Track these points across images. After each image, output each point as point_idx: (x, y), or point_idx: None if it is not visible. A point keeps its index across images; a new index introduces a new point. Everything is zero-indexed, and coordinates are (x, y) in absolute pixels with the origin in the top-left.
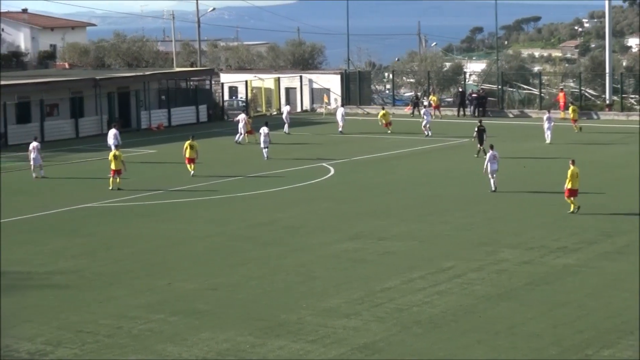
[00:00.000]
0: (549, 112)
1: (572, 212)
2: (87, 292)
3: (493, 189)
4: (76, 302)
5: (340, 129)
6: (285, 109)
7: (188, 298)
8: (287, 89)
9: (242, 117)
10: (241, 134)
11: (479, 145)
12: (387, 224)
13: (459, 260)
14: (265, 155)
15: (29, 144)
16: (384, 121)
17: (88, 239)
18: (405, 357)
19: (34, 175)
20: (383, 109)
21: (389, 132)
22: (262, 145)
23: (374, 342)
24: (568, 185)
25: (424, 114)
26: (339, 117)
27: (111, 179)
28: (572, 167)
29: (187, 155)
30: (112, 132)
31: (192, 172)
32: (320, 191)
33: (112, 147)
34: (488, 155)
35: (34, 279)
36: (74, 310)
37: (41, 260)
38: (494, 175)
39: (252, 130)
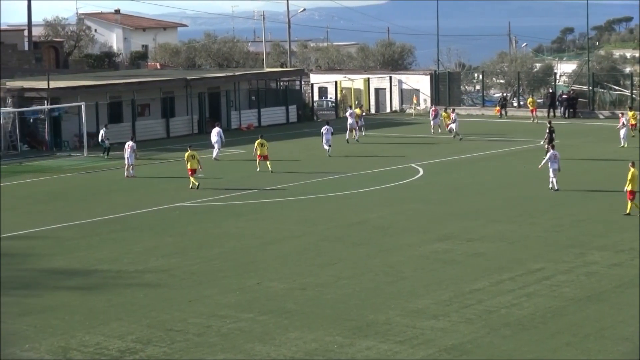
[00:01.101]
0: (622, 115)
1: (629, 214)
2: (177, 291)
3: (556, 188)
4: (166, 301)
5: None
6: (349, 113)
7: (277, 297)
8: (377, 90)
9: (349, 112)
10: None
11: (546, 146)
12: (476, 225)
13: (548, 262)
14: (329, 153)
15: (122, 143)
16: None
17: (179, 238)
18: (493, 359)
19: (125, 173)
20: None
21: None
22: (324, 144)
23: (462, 343)
24: (628, 187)
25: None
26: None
27: (191, 179)
28: (632, 170)
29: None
30: (216, 130)
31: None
32: (410, 192)
33: (216, 146)
34: (549, 154)
35: (124, 277)
36: (164, 308)
37: (132, 259)
38: (555, 175)
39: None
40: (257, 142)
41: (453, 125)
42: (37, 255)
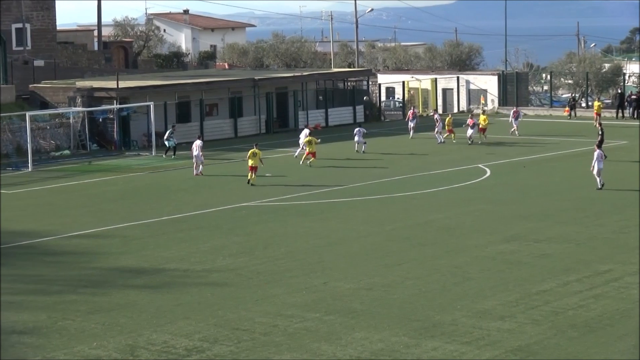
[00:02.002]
0: None
1: None
2: (244, 290)
3: (599, 186)
4: (233, 300)
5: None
6: (409, 117)
7: (344, 297)
8: (444, 90)
9: (437, 117)
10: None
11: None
12: (543, 226)
13: (616, 263)
14: (363, 149)
15: (189, 143)
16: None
17: (246, 237)
18: None
19: (194, 172)
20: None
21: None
22: (356, 145)
23: (528, 344)
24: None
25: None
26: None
27: (250, 174)
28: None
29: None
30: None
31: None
32: (476, 192)
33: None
34: (596, 154)
35: (191, 276)
36: (230, 308)
37: (199, 258)
38: (600, 174)
39: (452, 129)
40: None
41: (470, 132)
42: (105, 253)
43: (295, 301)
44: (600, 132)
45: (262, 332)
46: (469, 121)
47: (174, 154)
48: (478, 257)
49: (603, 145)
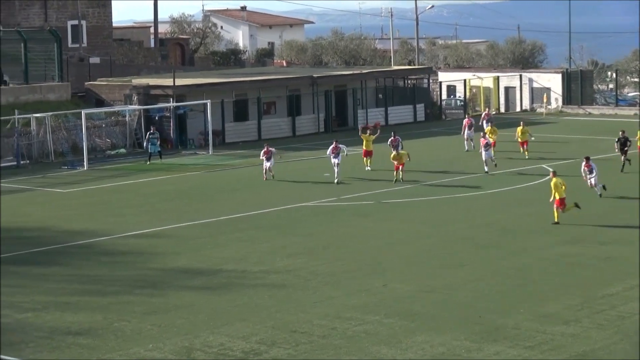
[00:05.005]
0: None
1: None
2: (303, 292)
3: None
4: (291, 302)
5: None
6: (484, 118)
7: (404, 300)
8: (507, 88)
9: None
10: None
11: (622, 157)
12: (607, 228)
13: None
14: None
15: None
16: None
17: (305, 238)
18: None
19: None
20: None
21: (527, 155)
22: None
23: (593, 350)
24: (556, 195)
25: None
26: None
27: (396, 172)
28: (553, 179)
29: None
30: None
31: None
32: (539, 193)
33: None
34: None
35: (249, 277)
36: (288, 309)
37: (257, 259)
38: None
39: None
40: (393, 154)
41: (485, 154)
42: (161, 254)
43: (355, 303)
44: (618, 139)
45: (320, 334)
46: (482, 141)
47: (160, 158)
48: (541, 259)
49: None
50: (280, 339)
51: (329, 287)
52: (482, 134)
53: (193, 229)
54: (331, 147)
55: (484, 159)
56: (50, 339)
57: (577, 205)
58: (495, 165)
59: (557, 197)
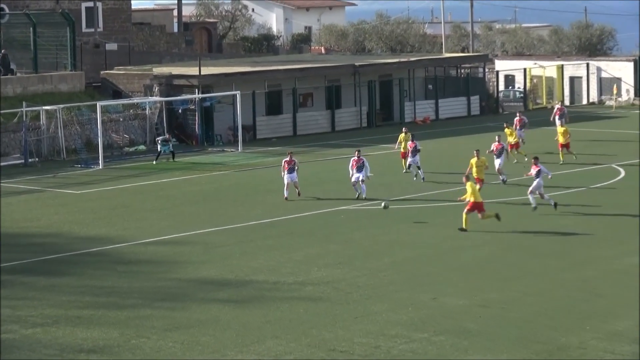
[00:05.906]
0: None
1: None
2: (342, 306)
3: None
4: (329, 317)
5: None
6: (556, 114)
7: (455, 315)
8: (572, 79)
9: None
10: None
11: None
12: None
13: None
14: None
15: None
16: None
17: (343, 245)
18: None
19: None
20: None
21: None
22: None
23: None
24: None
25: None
26: None
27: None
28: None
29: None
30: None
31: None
32: (608, 196)
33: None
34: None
35: (282, 289)
36: (326, 326)
37: (290, 269)
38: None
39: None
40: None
41: (497, 163)
42: (185, 263)
43: (400, 319)
44: None
45: (362, 354)
46: (494, 146)
47: (173, 159)
48: (608, 270)
49: None
50: (317, 358)
51: (371, 301)
52: (496, 137)
53: (220, 235)
54: (353, 159)
55: (496, 168)
56: (60, 357)
57: (497, 217)
58: (504, 181)
59: (472, 200)
